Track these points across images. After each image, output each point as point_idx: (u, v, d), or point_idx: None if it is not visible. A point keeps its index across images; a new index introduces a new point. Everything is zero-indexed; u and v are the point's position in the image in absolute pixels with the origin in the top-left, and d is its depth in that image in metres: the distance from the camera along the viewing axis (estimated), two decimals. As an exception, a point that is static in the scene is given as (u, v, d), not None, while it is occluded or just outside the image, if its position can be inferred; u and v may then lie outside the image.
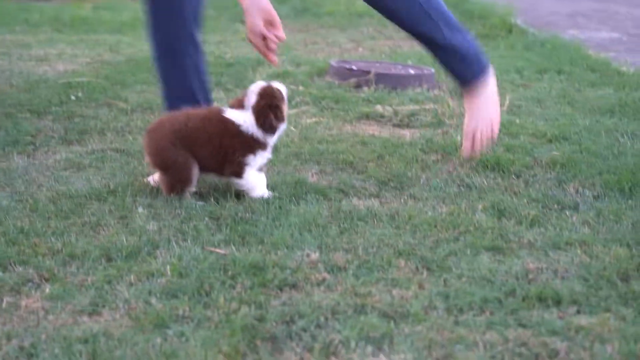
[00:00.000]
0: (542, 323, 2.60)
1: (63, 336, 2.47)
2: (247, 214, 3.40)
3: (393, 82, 5.72)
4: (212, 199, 3.55)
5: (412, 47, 7.67)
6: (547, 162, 4.16)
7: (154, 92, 5.14)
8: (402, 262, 3.01)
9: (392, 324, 2.58)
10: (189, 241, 3.13)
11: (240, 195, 3.59)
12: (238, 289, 2.79)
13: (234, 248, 3.08)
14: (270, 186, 3.67)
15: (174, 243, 3.12)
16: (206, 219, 3.35)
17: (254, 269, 2.91)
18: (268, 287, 2.81)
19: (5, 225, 3.22)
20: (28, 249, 3.03)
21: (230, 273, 2.88)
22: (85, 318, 2.61)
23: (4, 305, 2.67)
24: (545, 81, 6.15)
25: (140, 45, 7.39)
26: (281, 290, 2.81)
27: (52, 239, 3.12)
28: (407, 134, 4.73)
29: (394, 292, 2.79)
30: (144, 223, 3.28)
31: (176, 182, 3.53)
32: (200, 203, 3.49)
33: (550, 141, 4.54)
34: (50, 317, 2.60)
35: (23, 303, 2.68)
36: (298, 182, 3.77)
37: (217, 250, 3.06)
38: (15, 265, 2.92)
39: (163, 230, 3.22)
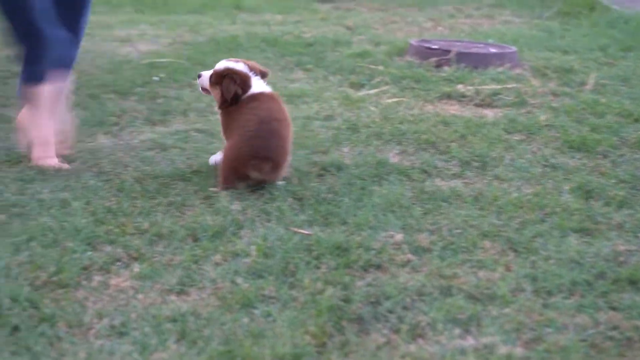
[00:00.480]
0: (634, 306, 2.55)
1: (152, 315, 2.51)
2: (330, 195, 3.40)
3: (474, 61, 5.65)
4: (294, 180, 3.56)
5: (492, 26, 7.58)
6: (634, 142, 4.07)
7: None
8: (487, 244, 2.98)
9: (479, 306, 2.55)
10: (273, 221, 3.15)
11: (322, 175, 3.59)
12: (323, 269, 2.79)
13: (317, 229, 3.08)
14: (351, 166, 3.66)
15: (258, 223, 3.13)
16: (289, 199, 3.36)
17: (338, 250, 2.91)
18: (353, 268, 2.81)
19: (94, 204, 3.28)
20: (116, 229, 3.08)
21: (314, 254, 2.88)
22: (173, 297, 2.64)
23: (94, 284, 2.71)
24: (630, 59, 6.02)
25: (220, 26, 7.44)
26: (366, 271, 2.80)
27: (139, 219, 3.16)
28: (489, 113, 4.68)
29: (480, 273, 2.77)
30: (228, 203, 3.30)
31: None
32: (283, 183, 3.50)
33: (637, 120, 4.45)
34: (140, 296, 2.64)
35: (113, 282, 2.72)
36: (380, 163, 3.75)
37: (302, 231, 3.06)
38: (104, 244, 2.97)
39: (247, 211, 3.24)
